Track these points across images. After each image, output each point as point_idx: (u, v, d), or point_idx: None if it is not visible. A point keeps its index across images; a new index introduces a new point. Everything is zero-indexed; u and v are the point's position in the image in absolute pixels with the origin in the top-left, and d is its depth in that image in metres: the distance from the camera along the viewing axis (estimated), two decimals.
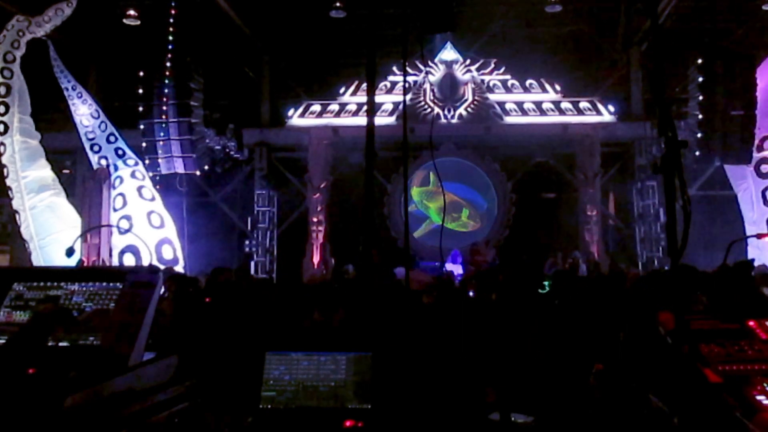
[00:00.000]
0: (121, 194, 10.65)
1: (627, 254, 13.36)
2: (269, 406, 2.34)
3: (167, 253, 10.67)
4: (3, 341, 2.26)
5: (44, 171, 10.60)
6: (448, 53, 12.77)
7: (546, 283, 5.97)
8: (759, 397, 2.03)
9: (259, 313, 5.01)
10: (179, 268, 10.10)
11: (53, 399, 1.81)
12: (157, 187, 11.54)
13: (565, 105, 12.52)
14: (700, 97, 10.84)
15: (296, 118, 12.92)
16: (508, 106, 12.50)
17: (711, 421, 1.98)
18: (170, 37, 11.53)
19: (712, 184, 12.68)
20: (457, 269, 10.86)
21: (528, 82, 12.72)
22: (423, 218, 13.32)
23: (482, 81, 12.67)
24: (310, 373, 2.38)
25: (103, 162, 10.87)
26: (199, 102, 11.52)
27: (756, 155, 10.95)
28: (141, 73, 11.54)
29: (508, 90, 12.74)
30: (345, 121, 12.63)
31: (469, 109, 12.48)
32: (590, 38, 14.04)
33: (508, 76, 12.80)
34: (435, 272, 7.40)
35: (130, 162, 11.00)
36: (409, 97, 12.10)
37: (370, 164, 2.46)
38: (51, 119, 11.95)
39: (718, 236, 9.16)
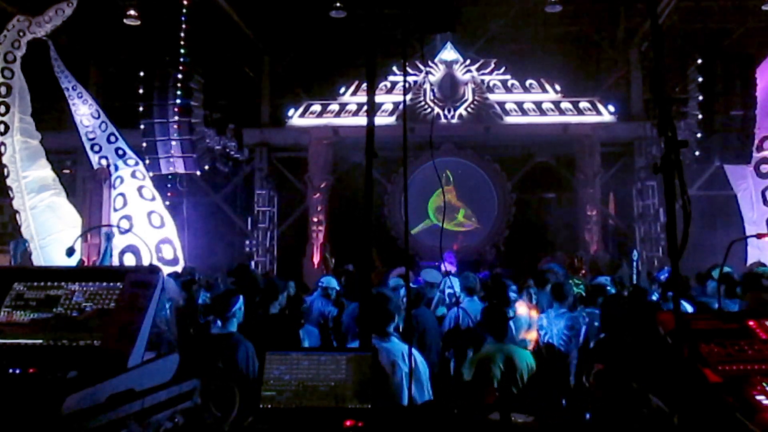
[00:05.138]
0: (121, 194, 10.65)
1: (627, 254, 13.36)
2: (269, 406, 2.34)
3: (167, 253, 10.67)
4: (3, 342, 2.27)
5: (45, 171, 10.60)
6: (448, 53, 12.77)
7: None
8: (759, 397, 2.03)
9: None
10: (179, 268, 10.09)
11: (53, 399, 1.81)
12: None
13: (565, 105, 12.52)
14: (700, 97, 10.83)
15: (296, 118, 12.92)
16: (508, 106, 12.49)
17: (711, 421, 1.98)
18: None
19: (712, 184, 12.67)
20: (451, 269, 10.87)
21: (528, 82, 12.72)
22: (422, 216, 13.29)
23: (482, 81, 12.67)
24: (311, 372, 2.38)
25: (104, 162, 10.87)
26: (199, 102, 11.52)
27: (756, 155, 10.95)
28: (141, 73, 11.53)
29: (508, 90, 12.74)
30: (345, 121, 12.64)
31: (469, 109, 12.47)
32: (590, 38, 14.04)
33: (508, 76, 12.80)
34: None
35: (131, 162, 11.00)
36: (409, 97, 12.10)
37: (370, 164, 2.46)
38: (51, 119, 11.95)
39: (718, 236, 9.15)
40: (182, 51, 11.43)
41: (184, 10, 11.49)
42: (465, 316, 5.11)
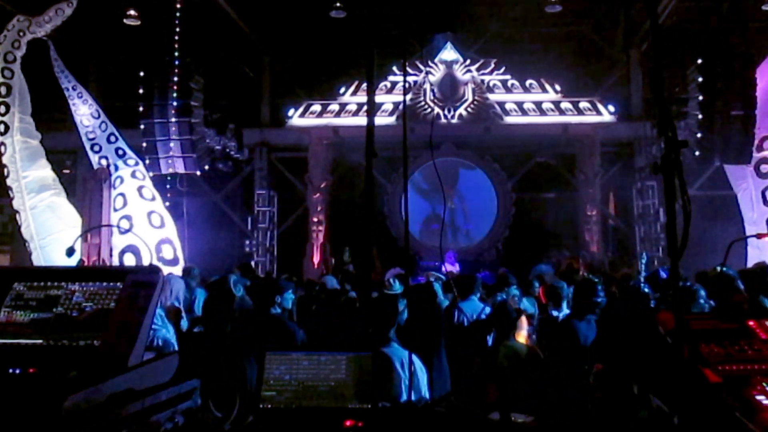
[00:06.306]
0: (121, 194, 10.64)
1: (627, 254, 13.36)
2: (269, 406, 2.34)
3: (167, 253, 10.66)
4: (3, 342, 2.27)
5: (45, 171, 10.60)
6: (448, 53, 12.76)
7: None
8: (759, 397, 2.03)
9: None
10: (178, 269, 10.10)
11: (53, 399, 1.81)
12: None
13: (565, 105, 12.52)
14: (700, 97, 10.82)
15: (296, 118, 12.93)
16: (508, 106, 12.49)
17: (711, 421, 1.98)
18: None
19: (712, 184, 12.67)
20: (454, 269, 10.89)
21: (528, 82, 12.72)
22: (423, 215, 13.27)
23: (482, 81, 12.66)
24: (311, 372, 2.39)
25: (104, 162, 10.87)
26: (199, 102, 11.51)
27: (756, 155, 10.95)
28: (141, 73, 11.52)
29: (508, 90, 12.74)
30: (345, 121, 12.64)
31: (469, 109, 12.47)
32: (590, 38, 14.04)
33: (508, 76, 12.79)
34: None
35: (131, 162, 11.00)
36: (409, 97, 12.10)
37: (370, 164, 2.46)
38: (51, 119, 11.94)
39: (718, 236, 9.15)
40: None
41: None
42: (461, 315, 5.17)
